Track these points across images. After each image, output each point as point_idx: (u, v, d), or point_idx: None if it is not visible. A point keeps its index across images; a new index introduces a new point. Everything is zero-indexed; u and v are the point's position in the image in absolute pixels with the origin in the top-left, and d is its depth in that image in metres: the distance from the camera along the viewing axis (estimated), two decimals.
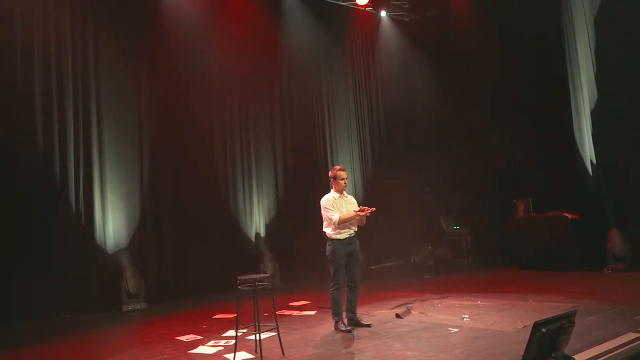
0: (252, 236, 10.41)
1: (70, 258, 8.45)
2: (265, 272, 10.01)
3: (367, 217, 6.19)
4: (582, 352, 4.62)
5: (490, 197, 11.35)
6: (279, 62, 11.14)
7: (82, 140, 8.79)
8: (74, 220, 8.64)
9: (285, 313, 7.47)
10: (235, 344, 5.40)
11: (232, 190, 10.35)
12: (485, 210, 11.51)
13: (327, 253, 6.16)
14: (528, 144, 10.75)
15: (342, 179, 6.23)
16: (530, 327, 5.62)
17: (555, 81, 10.12)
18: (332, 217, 6.10)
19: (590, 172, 9.82)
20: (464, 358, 4.77)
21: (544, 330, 4.09)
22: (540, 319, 4.17)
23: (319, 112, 11.83)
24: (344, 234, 6.14)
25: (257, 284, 5.23)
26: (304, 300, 8.38)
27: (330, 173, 6.38)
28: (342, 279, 6.17)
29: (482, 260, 11.46)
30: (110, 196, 9.02)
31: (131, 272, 8.86)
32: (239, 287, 5.35)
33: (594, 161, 9.81)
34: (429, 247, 12.41)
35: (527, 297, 7.41)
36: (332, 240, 6.12)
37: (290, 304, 8.12)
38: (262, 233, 10.50)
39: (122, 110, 9.26)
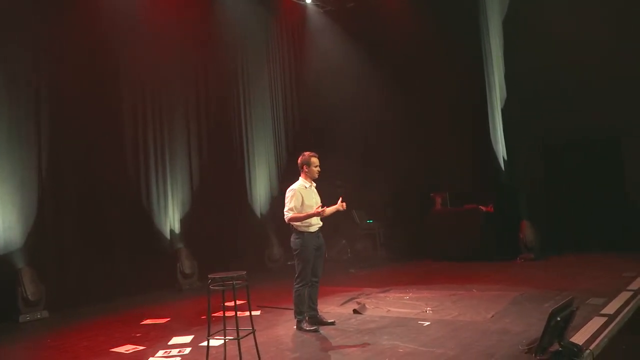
0: (167, 232, 9.43)
1: None
2: (182, 271, 9.23)
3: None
4: (571, 337, 4.65)
5: (407, 190, 11.49)
6: (195, 48, 10.17)
7: None
8: None
9: (226, 315, 6.76)
10: (207, 351, 4.72)
11: (144, 181, 9.29)
12: (402, 203, 11.64)
13: (295, 247, 5.63)
14: (446, 138, 11.05)
15: (316, 166, 5.70)
16: (499, 317, 5.77)
17: (474, 79, 10.47)
18: (286, 213, 5.63)
19: (503, 167, 10.36)
20: (463, 352, 4.59)
21: (558, 318, 4.04)
22: (555, 307, 4.13)
23: (235, 102, 11.06)
24: (315, 227, 5.67)
25: (234, 282, 4.61)
26: (237, 299, 7.69)
27: (300, 160, 5.78)
28: (309, 276, 5.70)
29: (395, 253, 11.55)
30: (0, 187, 7.62)
31: (29, 277, 7.56)
32: (210, 287, 4.69)
33: (505, 157, 10.36)
34: (344, 241, 12.33)
35: (468, 287, 7.50)
36: (302, 233, 5.60)
37: (225, 304, 7.40)
38: (177, 229, 9.57)
39: (15, 89, 7.84)
